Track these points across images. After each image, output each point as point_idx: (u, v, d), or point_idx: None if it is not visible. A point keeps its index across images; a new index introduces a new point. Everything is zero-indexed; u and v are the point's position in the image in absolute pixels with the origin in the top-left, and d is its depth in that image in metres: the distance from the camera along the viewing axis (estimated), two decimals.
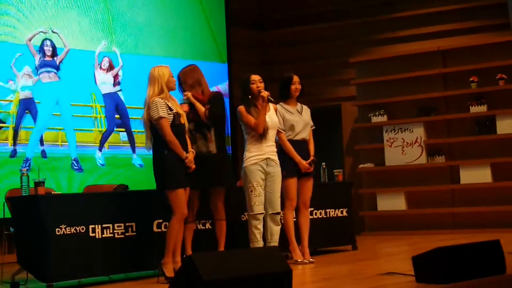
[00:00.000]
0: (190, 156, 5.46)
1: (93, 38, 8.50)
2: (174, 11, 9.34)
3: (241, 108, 6.05)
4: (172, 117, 5.42)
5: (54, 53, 8.11)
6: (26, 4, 7.96)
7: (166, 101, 5.45)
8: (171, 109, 5.44)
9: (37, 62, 7.99)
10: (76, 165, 8.18)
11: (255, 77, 6.05)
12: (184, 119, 5.52)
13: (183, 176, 5.41)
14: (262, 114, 5.97)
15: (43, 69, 8.02)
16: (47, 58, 8.03)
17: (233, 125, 9.28)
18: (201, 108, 5.78)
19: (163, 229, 5.77)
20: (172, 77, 5.53)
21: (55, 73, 8.09)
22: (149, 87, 5.49)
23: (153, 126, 5.43)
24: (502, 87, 9.08)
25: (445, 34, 9.69)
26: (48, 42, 8.06)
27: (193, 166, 5.47)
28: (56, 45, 8.15)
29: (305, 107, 6.50)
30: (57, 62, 8.08)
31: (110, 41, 8.64)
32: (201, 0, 9.60)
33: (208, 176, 5.75)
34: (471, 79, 9.21)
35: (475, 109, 9.18)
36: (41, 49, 8.01)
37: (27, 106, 7.91)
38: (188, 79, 5.85)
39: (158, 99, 5.41)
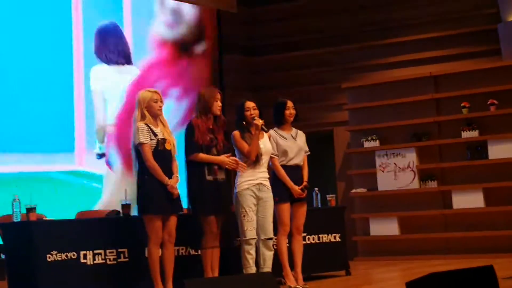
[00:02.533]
0: (172, 182, 5.45)
1: None
2: None
3: (236, 133, 6.07)
4: (155, 143, 5.42)
5: None
6: None
7: (150, 126, 5.45)
8: (155, 134, 5.45)
9: None
10: None
11: (250, 104, 6.08)
12: (170, 145, 5.52)
13: (160, 203, 5.40)
14: (255, 142, 5.99)
15: None
16: None
17: None
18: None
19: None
20: (156, 102, 5.51)
21: None
22: (135, 111, 5.55)
23: (137, 150, 5.44)
24: (493, 112, 9.13)
25: (437, 60, 9.76)
26: None
27: (176, 192, 5.46)
28: None
29: (300, 133, 6.51)
30: None
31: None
32: None
33: (224, 203, 5.83)
34: (462, 104, 9.25)
35: (466, 134, 9.22)
36: None
37: None
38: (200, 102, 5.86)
39: (141, 124, 5.44)
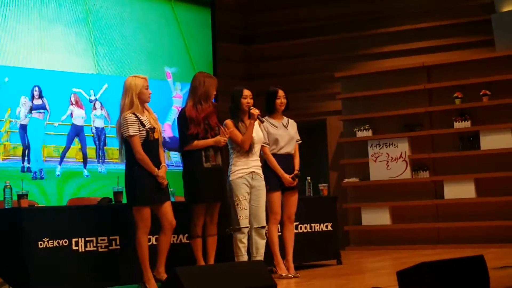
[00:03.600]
0: (161, 172, 5.42)
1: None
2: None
3: (229, 122, 6.05)
4: (144, 133, 5.37)
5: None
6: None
7: (138, 115, 5.38)
8: (143, 125, 5.38)
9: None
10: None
11: (247, 92, 6.07)
12: (158, 134, 5.47)
13: (150, 193, 5.36)
14: (249, 131, 5.98)
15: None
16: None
17: None
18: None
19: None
20: (147, 89, 5.45)
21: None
22: (122, 99, 5.42)
23: (125, 140, 5.39)
24: (486, 103, 9.14)
25: (430, 50, 9.77)
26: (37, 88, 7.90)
27: (165, 182, 5.44)
28: None
29: (291, 121, 6.51)
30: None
31: (93, 62, 8.44)
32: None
33: (219, 189, 5.81)
34: (455, 95, 9.27)
35: (459, 125, 9.23)
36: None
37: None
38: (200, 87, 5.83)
39: (129, 114, 5.33)
